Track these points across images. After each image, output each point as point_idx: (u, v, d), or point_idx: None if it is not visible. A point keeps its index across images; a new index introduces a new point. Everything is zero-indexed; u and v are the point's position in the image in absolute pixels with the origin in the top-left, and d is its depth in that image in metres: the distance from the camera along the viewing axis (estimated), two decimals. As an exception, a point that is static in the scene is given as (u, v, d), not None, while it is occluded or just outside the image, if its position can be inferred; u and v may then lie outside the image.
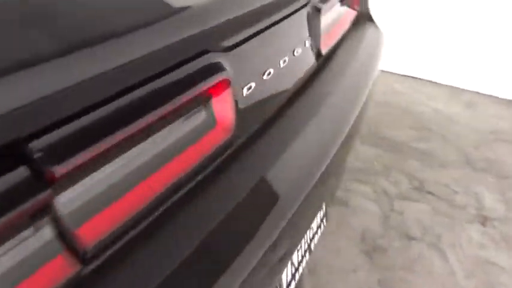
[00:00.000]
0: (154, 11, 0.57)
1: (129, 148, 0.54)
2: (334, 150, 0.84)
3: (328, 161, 0.79)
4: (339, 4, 1.21)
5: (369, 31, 1.44)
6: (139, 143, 0.55)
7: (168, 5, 0.58)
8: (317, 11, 0.96)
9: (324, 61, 1.05)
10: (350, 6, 1.46)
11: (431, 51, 3.40)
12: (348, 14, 1.38)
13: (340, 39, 1.26)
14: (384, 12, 3.48)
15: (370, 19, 1.53)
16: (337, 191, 2.10)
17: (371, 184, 2.19)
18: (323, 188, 0.85)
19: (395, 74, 3.57)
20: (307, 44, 0.92)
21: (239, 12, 0.65)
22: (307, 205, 0.77)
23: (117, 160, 0.53)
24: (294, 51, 0.86)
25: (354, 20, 1.46)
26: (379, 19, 3.50)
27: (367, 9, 1.53)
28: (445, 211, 2.04)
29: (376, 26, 1.51)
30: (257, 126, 0.74)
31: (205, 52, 0.62)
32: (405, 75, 3.53)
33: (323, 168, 0.77)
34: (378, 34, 1.47)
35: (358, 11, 1.50)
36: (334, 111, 0.91)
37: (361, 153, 2.46)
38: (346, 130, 0.89)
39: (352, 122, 0.95)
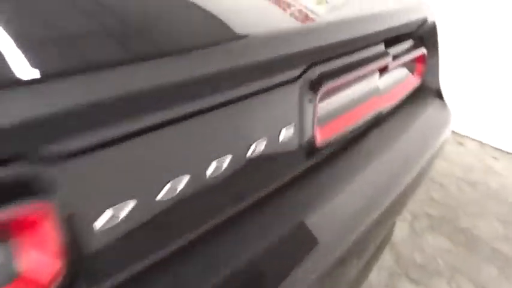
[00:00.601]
0: None
1: None
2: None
3: None
4: (375, 76, 0.88)
5: (428, 111, 1.07)
6: None
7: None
8: (312, 89, 0.66)
9: (324, 157, 0.73)
10: (409, 76, 1.11)
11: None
12: (399, 88, 1.03)
13: (376, 121, 0.92)
14: (487, 79, 2.95)
15: (437, 94, 1.16)
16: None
17: (424, 286, 1.73)
18: None
19: (494, 148, 2.98)
20: (284, 135, 0.62)
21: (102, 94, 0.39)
22: None
23: None
24: (250, 147, 0.57)
25: (412, 94, 1.10)
26: (478, 86, 2.97)
27: (436, 81, 1.16)
28: None
29: (442, 105, 1.14)
30: (125, 277, 0.46)
31: (10, 161, 0.36)
32: (506, 152, 2.93)
33: None
34: (441, 116, 1.10)
35: (421, 83, 1.14)
36: (306, 243, 0.60)
37: (426, 243, 1.99)
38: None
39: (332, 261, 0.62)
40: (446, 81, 3.15)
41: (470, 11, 2.91)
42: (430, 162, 1.03)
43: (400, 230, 2.05)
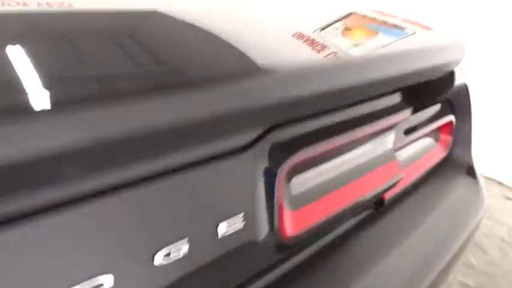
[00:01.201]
0: None
1: None
2: None
3: None
4: (387, 137, 0.69)
5: (455, 193, 0.86)
6: None
7: None
8: (275, 160, 0.47)
9: (297, 253, 0.54)
10: (432, 148, 0.90)
11: None
12: (417, 165, 0.83)
13: (383, 203, 0.72)
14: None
15: (469, 171, 0.93)
16: None
17: None
18: None
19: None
20: (224, 230, 0.44)
21: None
22: None
23: None
24: (155, 255, 0.39)
25: (435, 170, 0.89)
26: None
27: (468, 155, 0.94)
28: None
29: (474, 184, 0.91)
30: None
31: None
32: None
33: None
34: (472, 198, 0.88)
35: (447, 157, 0.92)
36: None
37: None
38: None
39: None
40: (495, 126, 2.84)
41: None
42: (456, 257, 0.82)
43: (429, 300, 1.78)
